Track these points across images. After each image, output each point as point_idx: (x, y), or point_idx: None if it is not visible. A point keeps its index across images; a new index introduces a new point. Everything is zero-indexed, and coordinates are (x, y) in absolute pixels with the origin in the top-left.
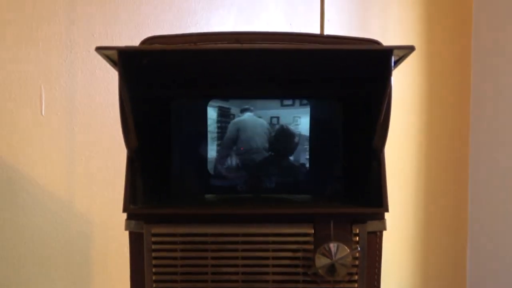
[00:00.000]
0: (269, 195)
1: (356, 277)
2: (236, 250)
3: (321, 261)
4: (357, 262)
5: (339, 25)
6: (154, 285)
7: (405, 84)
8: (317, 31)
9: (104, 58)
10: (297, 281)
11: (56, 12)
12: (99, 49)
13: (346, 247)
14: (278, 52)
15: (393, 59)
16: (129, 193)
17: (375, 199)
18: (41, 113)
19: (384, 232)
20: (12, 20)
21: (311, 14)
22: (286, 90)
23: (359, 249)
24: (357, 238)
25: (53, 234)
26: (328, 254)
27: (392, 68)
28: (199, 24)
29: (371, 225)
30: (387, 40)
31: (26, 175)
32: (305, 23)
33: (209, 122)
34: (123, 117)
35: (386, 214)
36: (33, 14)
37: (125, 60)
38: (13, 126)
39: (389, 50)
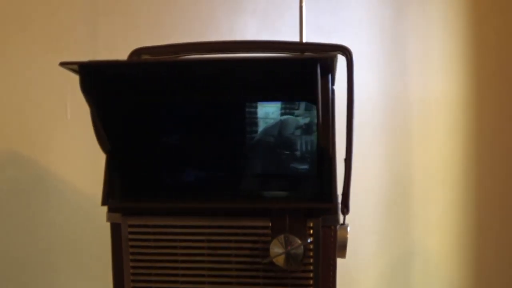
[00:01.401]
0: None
1: (311, 267)
2: (202, 241)
3: (274, 252)
4: (311, 254)
5: (372, 26)
6: (131, 271)
7: (451, 85)
8: (347, 32)
9: (71, 71)
10: (257, 270)
11: (78, 23)
12: (62, 64)
13: (297, 239)
14: (219, 62)
15: (318, 68)
16: (107, 188)
17: (326, 195)
18: (67, 117)
19: (429, 233)
20: (38, 32)
21: (340, 15)
22: (256, 95)
23: (309, 241)
24: (311, 231)
25: (81, 225)
26: (281, 245)
27: (318, 75)
28: (221, 31)
29: (325, 219)
30: (429, 42)
31: (55, 173)
32: (334, 25)
33: None
34: (94, 125)
35: (435, 215)
36: (56, 26)
37: (85, 74)
38: (42, 129)
39: (311, 59)
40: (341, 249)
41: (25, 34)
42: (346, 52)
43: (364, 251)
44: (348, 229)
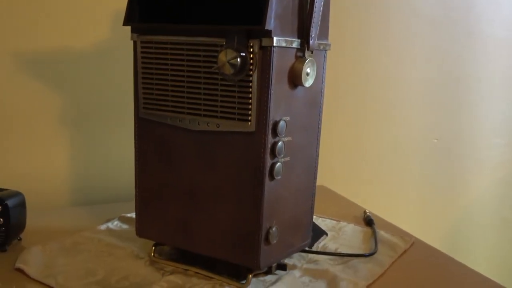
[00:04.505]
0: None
1: (251, 79)
2: (182, 54)
3: (219, 61)
4: (251, 67)
5: None
6: (142, 76)
7: None
8: None
9: None
10: (216, 79)
11: None
12: None
13: (234, 52)
14: None
15: None
16: (128, 12)
17: (260, 19)
18: None
19: None
20: None
21: None
22: None
23: (242, 54)
24: (252, 49)
25: None
26: (223, 55)
27: None
28: None
29: (264, 41)
30: None
31: None
32: None
33: None
34: None
35: None
36: None
37: None
38: None
39: None
40: (297, 76)
41: None
42: None
43: None
44: (307, 61)
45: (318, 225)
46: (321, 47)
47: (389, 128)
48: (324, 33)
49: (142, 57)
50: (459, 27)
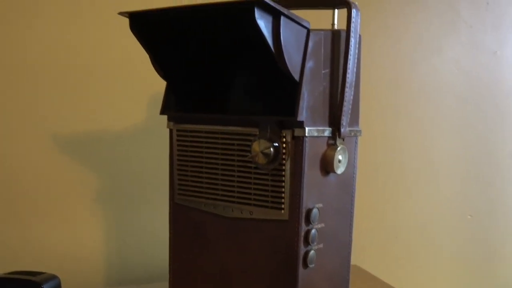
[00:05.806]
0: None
1: (283, 167)
2: (217, 143)
3: (253, 151)
4: (284, 156)
5: None
6: (177, 163)
7: None
8: None
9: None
10: (250, 167)
11: None
12: (120, 13)
13: (267, 142)
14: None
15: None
16: (164, 103)
17: (292, 110)
18: None
19: None
20: None
21: None
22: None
23: (275, 144)
24: (284, 139)
25: None
26: (256, 145)
27: (256, 17)
28: None
29: (296, 131)
30: None
31: None
32: None
33: None
34: (150, 59)
35: None
36: None
37: (134, 20)
38: None
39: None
40: (329, 164)
41: None
42: (347, 5)
43: None
44: (338, 149)
45: None
46: (352, 134)
47: (422, 206)
48: (355, 119)
49: (178, 145)
50: (487, 101)
